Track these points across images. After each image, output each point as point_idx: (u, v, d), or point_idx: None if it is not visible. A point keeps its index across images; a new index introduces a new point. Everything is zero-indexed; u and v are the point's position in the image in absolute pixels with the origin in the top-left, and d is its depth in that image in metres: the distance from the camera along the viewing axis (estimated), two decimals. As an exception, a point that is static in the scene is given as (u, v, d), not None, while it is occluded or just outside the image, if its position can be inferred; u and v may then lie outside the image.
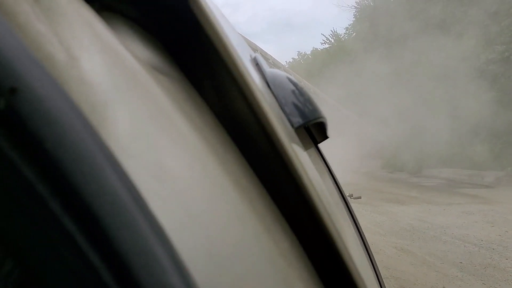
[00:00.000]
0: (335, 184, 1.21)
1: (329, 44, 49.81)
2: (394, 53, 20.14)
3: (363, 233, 1.32)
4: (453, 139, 21.18)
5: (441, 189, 15.89)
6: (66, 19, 0.24)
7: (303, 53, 55.05)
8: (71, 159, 0.17)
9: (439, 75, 18.14)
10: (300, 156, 0.35)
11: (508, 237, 8.28)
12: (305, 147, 0.64)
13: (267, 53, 26.12)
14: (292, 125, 0.42)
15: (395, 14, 18.91)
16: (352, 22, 40.71)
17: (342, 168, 27.42)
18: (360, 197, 6.17)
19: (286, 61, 53.97)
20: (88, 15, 0.26)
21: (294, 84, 0.52)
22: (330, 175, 1.20)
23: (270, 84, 0.45)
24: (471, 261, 7.02)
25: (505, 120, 17.69)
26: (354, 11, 33.91)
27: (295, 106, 0.45)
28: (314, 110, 0.52)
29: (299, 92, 0.50)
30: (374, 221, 10.74)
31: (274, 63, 26.42)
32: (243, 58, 0.40)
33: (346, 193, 4.88)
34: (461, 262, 6.99)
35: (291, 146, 0.30)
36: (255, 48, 24.97)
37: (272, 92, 0.44)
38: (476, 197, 13.31)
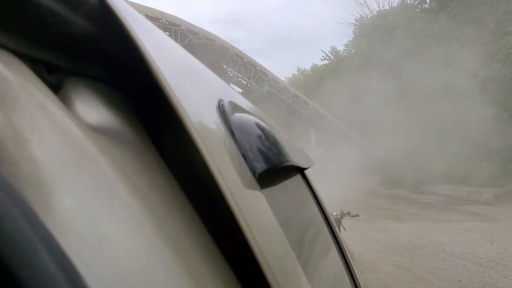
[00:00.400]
0: (321, 210, 1.21)
1: (329, 60, 50.19)
2: (392, 70, 20.27)
3: (347, 255, 1.31)
4: (452, 156, 21.21)
5: (440, 206, 15.85)
6: (20, 104, 0.26)
7: (302, 69, 55.42)
8: (7, 245, 0.18)
9: (437, 93, 18.23)
10: (251, 206, 0.37)
11: (507, 255, 8.24)
12: (276, 187, 0.65)
13: (266, 69, 26.33)
14: (255, 171, 0.44)
15: (393, 32, 19.10)
16: (351, 38, 40.90)
17: (341, 184, 27.37)
18: (357, 215, 6.13)
19: (286, 77, 54.28)
20: (42, 97, 0.28)
21: (262, 129, 0.53)
22: (316, 202, 1.20)
23: (235, 130, 0.46)
24: (469, 279, 6.97)
25: (504, 138, 17.72)
26: (353, 28, 34.17)
27: (260, 151, 0.47)
28: (280, 154, 0.53)
29: (265, 137, 0.51)
30: (373, 238, 10.70)
31: (273, 79, 26.59)
32: (202, 110, 0.42)
33: (344, 211, 4.82)
34: (459, 281, 6.94)
35: (236, 201, 0.32)
36: (254, 64, 25.10)
37: (236, 139, 0.45)
38: (475, 214, 13.27)
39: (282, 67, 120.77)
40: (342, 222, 5.88)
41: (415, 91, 20.26)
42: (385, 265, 8.18)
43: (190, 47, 16.73)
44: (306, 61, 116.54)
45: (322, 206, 1.24)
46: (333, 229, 1.25)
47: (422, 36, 17.73)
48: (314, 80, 44.63)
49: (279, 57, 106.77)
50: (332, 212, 5.90)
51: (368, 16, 24.45)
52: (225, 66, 23.13)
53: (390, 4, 22.74)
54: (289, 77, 54.30)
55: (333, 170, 36.59)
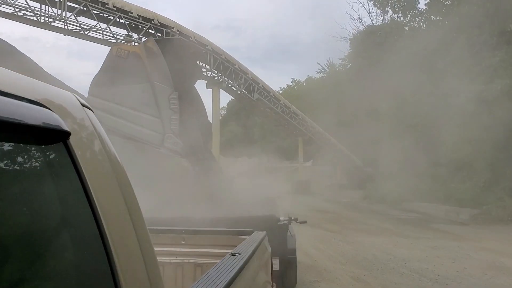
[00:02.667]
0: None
1: (324, 74, 50.49)
2: (379, 86, 20.38)
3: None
4: (436, 175, 21.28)
5: (416, 223, 15.85)
6: None
7: (297, 80, 55.93)
8: None
9: (421, 112, 18.34)
10: None
11: (465, 273, 8.25)
12: None
13: (258, 77, 26.42)
14: None
15: (380, 48, 19.23)
16: (348, 53, 40.77)
17: (325, 196, 27.40)
18: (305, 222, 6.12)
19: (280, 87, 54.67)
20: None
21: None
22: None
23: None
24: (421, 295, 6.98)
25: (488, 160, 17.78)
26: (350, 43, 34.30)
27: None
28: None
29: None
30: (339, 250, 10.70)
31: (264, 88, 26.67)
32: None
33: (292, 217, 4.80)
34: (410, 295, 6.95)
35: None
36: (245, 71, 25.19)
37: None
38: (447, 233, 13.28)
39: (279, 77, 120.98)
40: (289, 228, 5.89)
41: (401, 109, 20.35)
42: (343, 276, 8.17)
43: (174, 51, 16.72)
44: (304, 73, 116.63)
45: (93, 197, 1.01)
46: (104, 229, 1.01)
47: (407, 53, 17.85)
48: (307, 92, 44.85)
49: (277, 67, 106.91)
50: (280, 217, 5.90)
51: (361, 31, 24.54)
52: (215, 71, 23.16)
53: (383, 20, 22.94)
54: (284, 88, 54.78)
55: (319, 183, 36.69)
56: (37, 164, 0.98)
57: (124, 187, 1.22)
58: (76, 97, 1.25)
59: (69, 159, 1.04)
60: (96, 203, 1.03)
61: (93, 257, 1.00)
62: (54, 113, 1.07)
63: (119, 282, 1.02)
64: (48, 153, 1.01)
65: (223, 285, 2.08)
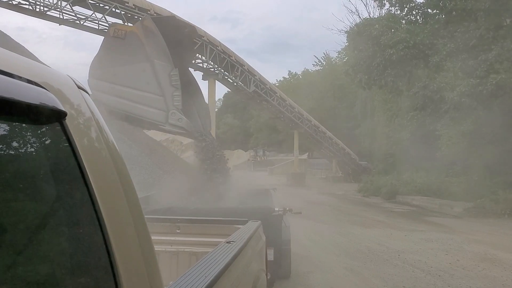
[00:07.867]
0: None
1: (321, 66, 50.49)
2: (374, 80, 20.35)
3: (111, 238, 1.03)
4: (431, 169, 21.42)
5: (410, 216, 15.98)
6: None
7: (293, 73, 55.90)
8: None
9: (416, 105, 18.37)
10: None
11: (458, 265, 8.33)
12: None
13: (254, 69, 26.34)
14: None
15: (376, 41, 19.19)
16: (345, 46, 40.68)
17: (319, 189, 27.48)
18: (300, 212, 6.17)
19: (277, 79, 54.66)
20: None
21: None
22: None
23: None
24: (414, 286, 7.03)
25: (482, 154, 17.85)
26: (346, 36, 34.20)
27: None
28: None
29: None
30: (333, 241, 10.77)
31: (260, 80, 26.59)
32: None
33: (286, 208, 4.80)
34: (404, 286, 7.00)
35: None
36: (241, 63, 25.10)
37: None
38: (440, 226, 13.39)
39: (277, 70, 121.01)
40: (284, 218, 5.93)
41: (394, 102, 20.36)
42: (337, 267, 8.24)
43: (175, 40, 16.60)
44: (301, 66, 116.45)
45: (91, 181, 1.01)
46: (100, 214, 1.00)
47: (403, 47, 17.82)
48: (303, 85, 44.88)
49: (274, 60, 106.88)
50: (275, 208, 5.94)
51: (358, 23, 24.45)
52: (211, 63, 23.07)
53: (380, 13, 22.84)
54: (280, 80, 54.76)
55: (314, 175, 36.83)
56: (33, 143, 0.98)
57: (120, 167, 1.23)
58: (73, 79, 1.24)
59: (65, 139, 1.04)
60: (92, 181, 1.03)
61: (90, 240, 1.00)
62: (50, 93, 1.05)
63: (116, 265, 1.02)
64: (44, 133, 1.00)
65: (218, 272, 2.10)
